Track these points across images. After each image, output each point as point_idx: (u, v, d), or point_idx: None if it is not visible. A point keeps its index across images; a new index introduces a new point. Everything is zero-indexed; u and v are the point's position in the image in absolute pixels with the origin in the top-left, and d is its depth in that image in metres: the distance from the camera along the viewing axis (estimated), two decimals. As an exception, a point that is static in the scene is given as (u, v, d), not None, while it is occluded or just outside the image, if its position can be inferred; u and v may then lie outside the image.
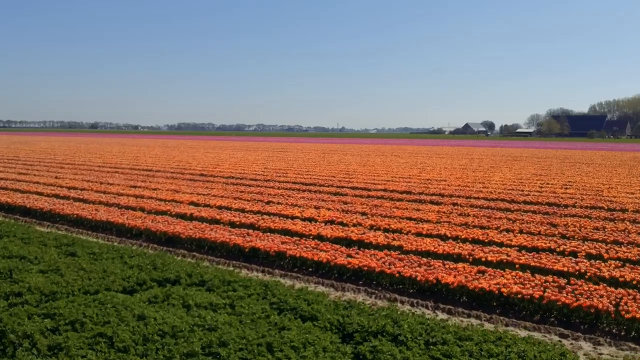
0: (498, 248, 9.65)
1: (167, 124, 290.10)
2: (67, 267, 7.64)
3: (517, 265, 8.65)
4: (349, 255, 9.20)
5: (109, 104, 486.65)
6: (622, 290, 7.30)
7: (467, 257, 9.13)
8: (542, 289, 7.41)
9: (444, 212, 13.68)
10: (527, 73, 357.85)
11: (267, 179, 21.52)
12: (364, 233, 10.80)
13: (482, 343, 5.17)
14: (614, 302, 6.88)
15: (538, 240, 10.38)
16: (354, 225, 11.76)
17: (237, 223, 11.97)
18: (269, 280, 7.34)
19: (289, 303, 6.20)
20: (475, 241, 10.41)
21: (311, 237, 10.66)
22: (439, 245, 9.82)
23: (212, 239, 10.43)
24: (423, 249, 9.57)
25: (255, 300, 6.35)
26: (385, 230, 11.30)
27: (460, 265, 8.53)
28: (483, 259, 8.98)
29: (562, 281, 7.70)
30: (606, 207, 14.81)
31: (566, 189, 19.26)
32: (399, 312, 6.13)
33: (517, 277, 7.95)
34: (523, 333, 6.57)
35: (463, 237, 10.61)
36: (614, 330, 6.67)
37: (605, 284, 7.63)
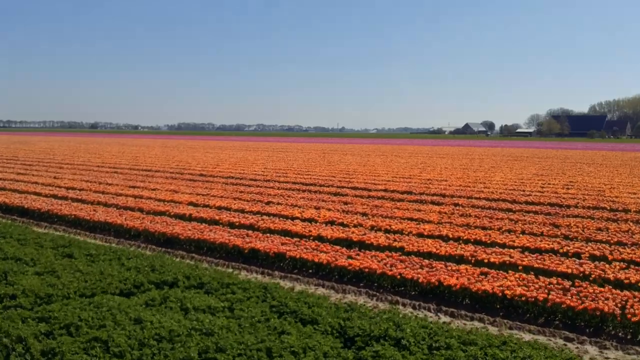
0: (501, 249, 9.53)
1: (167, 124, 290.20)
2: (64, 269, 7.51)
3: (520, 267, 8.53)
4: (350, 257, 9.07)
5: (109, 104, 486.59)
6: (627, 293, 7.17)
7: (470, 258, 9.01)
8: (546, 291, 7.28)
9: (446, 213, 13.56)
10: (527, 73, 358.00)
11: (267, 179, 21.40)
12: (364, 234, 10.68)
13: (486, 348, 5.04)
14: (619, 305, 6.76)
15: (541, 241, 10.26)
16: (355, 226, 11.63)
17: (237, 224, 11.85)
18: (268, 282, 7.21)
19: (289, 306, 6.08)
20: (477, 242, 10.28)
21: (311, 238, 10.54)
22: (440, 246, 9.69)
23: (211, 240, 10.31)
24: (425, 250, 9.45)
25: (254, 303, 6.22)
26: (386, 231, 11.18)
27: (462, 266, 8.40)
28: (485, 261, 8.86)
29: (567, 283, 7.58)
30: (608, 208, 14.69)
31: (568, 189, 19.14)
32: (401, 316, 6.01)
33: (521, 279, 7.83)
34: (527, 337, 6.45)
35: (465, 238, 10.49)
36: (620, 334, 6.54)
37: (610, 286, 7.50)
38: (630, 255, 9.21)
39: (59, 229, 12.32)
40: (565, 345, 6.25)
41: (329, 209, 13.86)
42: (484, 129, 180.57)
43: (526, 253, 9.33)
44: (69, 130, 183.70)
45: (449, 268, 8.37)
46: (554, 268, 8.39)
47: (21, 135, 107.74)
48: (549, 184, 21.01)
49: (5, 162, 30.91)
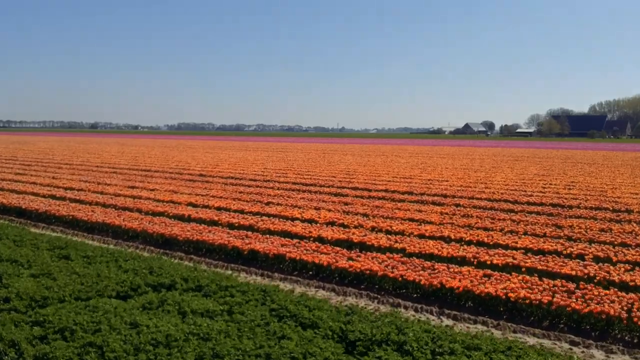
0: (503, 251, 9.40)
1: (167, 124, 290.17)
2: (60, 271, 7.39)
3: (523, 269, 8.40)
4: (350, 258, 8.95)
5: (109, 104, 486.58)
6: (633, 295, 7.04)
7: (472, 260, 8.88)
8: (550, 293, 7.16)
9: (447, 214, 13.43)
10: (527, 73, 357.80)
11: (267, 179, 21.27)
12: (365, 235, 10.55)
13: (491, 353, 4.92)
14: (625, 308, 6.63)
15: (544, 242, 10.13)
16: (355, 227, 11.51)
17: (236, 224, 11.72)
18: (267, 285, 7.09)
19: (290, 309, 5.95)
20: (479, 243, 10.16)
21: (311, 239, 10.41)
22: (442, 247, 9.57)
23: (210, 241, 10.18)
24: (426, 252, 9.33)
25: (253, 307, 6.09)
26: (387, 232, 11.05)
27: (465, 268, 8.27)
28: (488, 262, 8.73)
29: (571, 285, 7.45)
30: (611, 208, 14.55)
31: (569, 189, 19.01)
32: (403, 319, 5.88)
33: (524, 281, 7.70)
34: (532, 340, 6.32)
35: (467, 239, 10.36)
36: (626, 338, 6.42)
37: (615, 289, 7.38)
38: (635, 256, 9.07)
39: (56, 230, 12.19)
40: (571, 349, 6.12)
41: (329, 210, 13.74)
42: (484, 129, 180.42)
43: (529, 254, 9.20)
44: (69, 130, 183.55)
45: (451, 270, 8.24)
46: (558, 270, 8.26)
47: (21, 135, 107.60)
48: (550, 184, 20.88)
49: (3, 162, 30.77)
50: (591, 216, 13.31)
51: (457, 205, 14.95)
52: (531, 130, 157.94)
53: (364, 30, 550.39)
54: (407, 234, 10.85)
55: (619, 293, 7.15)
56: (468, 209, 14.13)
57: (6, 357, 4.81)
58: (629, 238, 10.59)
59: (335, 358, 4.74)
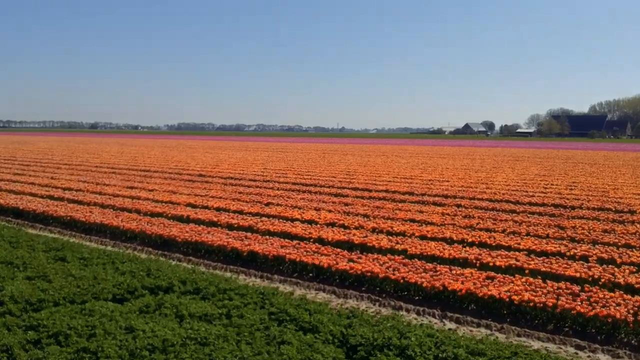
0: (506, 252, 9.27)
1: (167, 124, 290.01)
2: (56, 273, 7.27)
3: (526, 271, 8.28)
4: (351, 260, 8.82)
5: (109, 104, 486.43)
6: (639, 298, 6.92)
7: (474, 261, 8.75)
8: (555, 296, 7.03)
9: (448, 214, 13.31)
10: (527, 73, 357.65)
11: (267, 180, 21.15)
12: (366, 236, 10.43)
13: (496, 359, 4.79)
14: (632, 311, 6.50)
15: (547, 243, 10.00)
16: (356, 228, 11.38)
17: (235, 225, 11.59)
18: (266, 287, 6.96)
19: (289, 313, 5.82)
20: (481, 244, 10.03)
21: (312, 240, 10.28)
22: (444, 249, 9.44)
23: (209, 242, 10.05)
24: (428, 253, 9.20)
25: (252, 310, 5.97)
26: (388, 233, 10.92)
27: (467, 270, 8.15)
28: (491, 264, 8.60)
29: (576, 288, 7.32)
30: (614, 209, 14.43)
31: (571, 189, 18.89)
32: (405, 323, 5.76)
33: (528, 283, 7.57)
34: (537, 344, 6.20)
35: (469, 240, 10.23)
36: (633, 342, 6.29)
37: (621, 291, 7.25)
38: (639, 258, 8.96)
39: (54, 231, 12.06)
40: (577, 354, 6.00)
41: (330, 211, 13.61)
42: (484, 129, 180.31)
43: (532, 256, 9.08)
44: (69, 131, 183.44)
45: (454, 272, 8.11)
46: (562, 272, 8.14)
47: (21, 135, 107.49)
48: (551, 184, 20.76)
49: (2, 162, 30.65)
50: (594, 217, 13.18)
51: (459, 205, 14.83)
52: (531, 130, 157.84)
53: (364, 30, 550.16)
54: (409, 235, 10.73)
55: (625, 296, 7.02)
56: (469, 210, 14.01)
57: (-2, 362, 4.69)
58: (632, 239, 10.47)
59: (336, 364, 4.61)
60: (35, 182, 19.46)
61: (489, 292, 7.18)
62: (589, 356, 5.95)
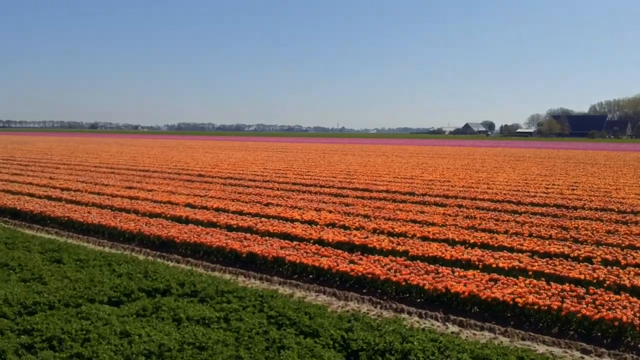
0: (509, 253, 9.14)
1: (167, 124, 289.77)
2: (51, 275, 7.15)
3: (530, 273, 8.14)
4: (352, 261, 8.69)
5: (109, 104, 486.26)
6: (645, 301, 6.79)
7: (477, 263, 8.62)
8: (559, 299, 6.90)
9: (450, 215, 13.18)
10: (527, 73, 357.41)
11: (267, 180, 21.01)
12: (367, 237, 10.30)
13: (501, 364, 4.67)
14: (638, 314, 6.36)
15: (550, 244, 9.87)
16: (357, 229, 11.25)
17: (235, 226, 11.46)
18: (265, 290, 6.83)
19: (289, 316, 5.70)
20: (484, 246, 9.90)
21: (312, 241, 10.15)
22: (446, 250, 9.31)
23: (207, 243, 9.93)
24: (430, 255, 9.07)
25: (251, 314, 5.84)
26: (390, 234, 10.79)
27: (470, 272, 8.02)
28: (494, 266, 8.47)
29: (581, 290, 7.19)
30: (616, 209, 14.30)
31: (573, 190, 18.75)
32: (407, 327, 5.63)
33: (532, 285, 7.44)
34: (542, 348, 6.07)
35: (471, 241, 10.10)
36: (639, 346, 6.16)
37: (626, 294, 7.11)
38: (644, 259, 8.82)
39: (51, 232, 11.93)
40: (583, 358, 5.87)
41: (330, 211, 13.48)
42: (484, 129, 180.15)
43: (535, 257, 8.95)
44: (69, 131, 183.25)
45: (456, 274, 7.98)
46: (566, 274, 8.01)
47: (20, 135, 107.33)
48: (553, 184, 20.63)
49: (1, 162, 30.51)
50: (597, 217, 13.05)
51: (460, 206, 14.69)
52: (531, 130, 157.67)
53: (364, 30, 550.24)
54: (410, 235, 10.60)
55: (631, 298, 6.89)
56: (471, 210, 13.88)
57: (-10, 368, 4.57)
58: (637, 240, 10.34)
59: (337, 370, 4.49)
60: (34, 182, 19.33)
61: (492, 295, 7.05)
62: (595, 360, 5.83)
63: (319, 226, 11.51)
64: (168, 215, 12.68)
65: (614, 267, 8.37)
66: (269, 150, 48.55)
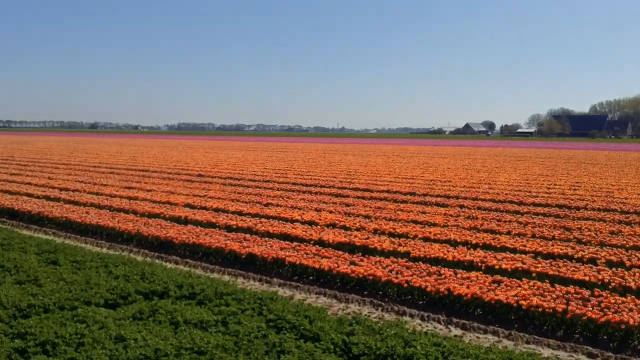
0: (512, 255, 9.02)
1: (167, 124, 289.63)
2: (47, 277, 7.03)
3: (534, 274, 8.02)
4: (353, 263, 8.57)
5: (109, 104, 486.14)
6: (651, 303, 6.67)
7: (480, 264, 8.50)
8: (564, 301, 6.77)
9: (451, 215, 13.05)
10: (527, 73, 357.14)
11: (267, 180, 20.89)
12: (368, 238, 10.17)
13: (507, 369, 4.54)
14: (645, 317, 6.25)
15: (553, 245, 9.74)
16: (357, 229, 11.13)
17: (234, 227, 11.34)
18: (264, 292, 6.70)
19: (288, 320, 5.57)
20: (486, 247, 9.78)
21: (312, 242, 10.03)
22: (448, 251, 9.18)
23: (206, 244, 9.80)
24: (432, 256, 8.94)
25: (250, 317, 5.71)
26: (391, 235, 10.67)
27: (473, 274, 7.89)
28: (497, 267, 8.35)
29: (586, 292, 7.07)
30: (619, 210, 14.17)
31: (575, 190, 18.63)
32: (409, 331, 5.51)
33: (536, 287, 7.32)
34: (547, 352, 5.95)
35: (473, 242, 9.97)
36: (646, 349, 6.04)
37: (632, 296, 6.99)
38: (649, 261, 8.69)
39: (48, 232, 11.81)
40: (589, 362, 5.75)
41: (330, 211, 13.36)
42: (484, 129, 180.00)
43: (539, 259, 8.83)
44: (69, 130, 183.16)
45: (459, 275, 7.86)
46: (570, 275, 7.88)
47: (20, 135, 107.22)
48: (555, 184, 20.50)
49: (0, 162, 30.38)
50: (600, 218, 12.92)
51: (462, 206, 14.57)
52: (532, 130, 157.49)
53: (364, 30, 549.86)
54: (411, 236, 10.48)
55: (637, 301, 6.76)
56: (473, 211, 13.76)
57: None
58: (641, 241, 10.21)
59: (338, 376, 4.36)
60: (32, 182, 19.21)
61: (496, 297, 6.93)
62: (601, 365, 5.70)
63: (319, 227, 11.39)
64: (167, 216, 12.56)
65: (619, 269, 8.24)
66: (269, 150, 48.43)
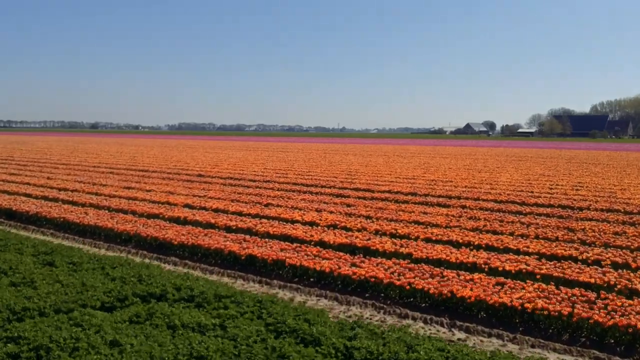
0: (515, 256, 8.89)
1: (168, 124, 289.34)
2: (43, 279, 6.90)
3: (538, 276, 7.89)
4: (354, 264, 8.44)
5: (109, 104, 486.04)
6: (659, 306, 6.53)
7: (483, 266, 8.37)
8: (570, 304, 6.64)
9: (454, 216, 12.91)
10: (528, 73, 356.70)
11: (267, 180, 20.76)
12: (369, 239, 10.04)
13: (513, 375, 4.41)
14: (652, 321, 6.11)
15: (557, 246, 9.61)
16: (358, 230, 10.99)
17: (234, 227, 11.21)
18: (264, 295, 6.57)
19: (288, 324, 5.44)
20: (489, 248, 9.65)
21: (313, 243, 9.90)
22: (451, 252, 9.05)
23: (206, 245, 9.68)
24: (434, 257, 8.81)
25: (249, 320, 5.59)
26: (392, 236, 10.53)
27: (476, 276, 7.76)
28: (500, 269, 8.22)
29: (592, 295, 6.94)
30: (623, 210, 14.03)
31: (577, 190, 18.49)
32: (412, 335, 5.38)
33: (540, 289, 7.19)
34: (553, 356, 5.82)
35: (476, 243, 9.84)
36: (655, 353, 5.91)
37: (639, 299, 6.86)
38: (655, 262, 8.55)
39: (46, 233, 11.69)
40: (596, 367, 5.62)
41: (331, 212, 13.23)
42: (485, 128, 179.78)
43: (543, 260, 8.70)
44: (69, 130, 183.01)
45: (462, 277, 7.73)
46: (575, 277, 7.75)
47: (20, 135, 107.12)
48: (557, 184, 20.36)
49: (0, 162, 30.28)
50: (603, 218, 12.79)
51: (463, 207, 14.43)
52: (532, 130, 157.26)
53: (364, 30, 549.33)
54: (413, 237, 10.35)
55: (644, 303, 6.64)
56: (475, 211, 13.62)
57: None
58: (646, 242, 10.07)
59: (339, 382, 4.23)
60: (31, 183, 19.09)
61: (500, 300, 6.80)
62: (609, 370, 5.57)
63: (320, 227, 11.26)
64: (166, 216, 12.43)
65: (625, 270, 8.12)
66: (269, 150, 48.30)
